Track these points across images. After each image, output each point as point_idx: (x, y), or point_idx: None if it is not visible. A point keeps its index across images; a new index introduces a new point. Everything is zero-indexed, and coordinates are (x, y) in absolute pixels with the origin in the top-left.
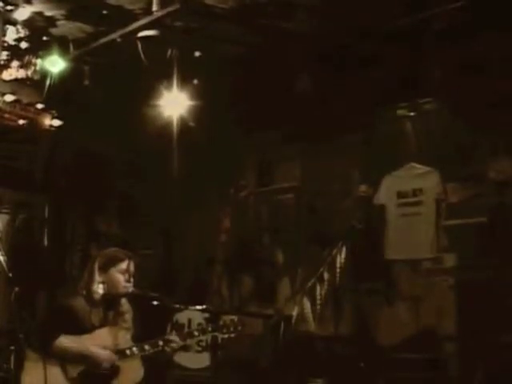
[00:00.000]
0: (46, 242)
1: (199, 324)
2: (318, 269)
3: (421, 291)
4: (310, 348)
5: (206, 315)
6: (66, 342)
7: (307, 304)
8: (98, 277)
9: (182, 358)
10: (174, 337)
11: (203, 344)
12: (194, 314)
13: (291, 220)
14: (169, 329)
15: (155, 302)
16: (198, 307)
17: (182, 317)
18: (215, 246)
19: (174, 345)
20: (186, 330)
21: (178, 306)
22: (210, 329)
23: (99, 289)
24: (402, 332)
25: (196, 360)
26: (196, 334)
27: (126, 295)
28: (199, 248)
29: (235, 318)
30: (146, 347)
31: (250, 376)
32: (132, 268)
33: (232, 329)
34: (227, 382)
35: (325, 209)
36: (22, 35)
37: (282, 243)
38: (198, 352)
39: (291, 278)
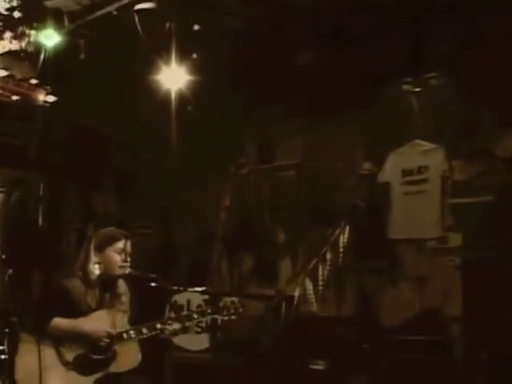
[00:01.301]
0: (41, 221)
1: (198, 305)
2: (320, 249)
3: (425, 271)
4: (312, 330)
5: (206, 296)
6: (60, 323)
7: (309, 285)
8: (93, 257)
9: (180, 340)
10: (172, 320)
11: (202, 325)
12: (194, 295)
13: (292, 198)
14: (167, 310)
15: (153, 284)
16: (197, 289)
17: (180, 298)
18: (215, 224)
19: (172, 328)
20: (185, 312)
21: (176, 287)
22: (209, 311)
23: (95, 269)
24: (406, 313)
25: (195, 341)
26: (195, 316)
27: (123, 276)
28: (198, 227)
29: (235, 299)
30: (144, 330)
31: (250, 358)
32: (129, 247)
33: (232, 311)
34: (227, 364)
35: (327, 187)
36: (14, 4)
37: (283, 222)
38: (198, 333)
39: (292, 258)
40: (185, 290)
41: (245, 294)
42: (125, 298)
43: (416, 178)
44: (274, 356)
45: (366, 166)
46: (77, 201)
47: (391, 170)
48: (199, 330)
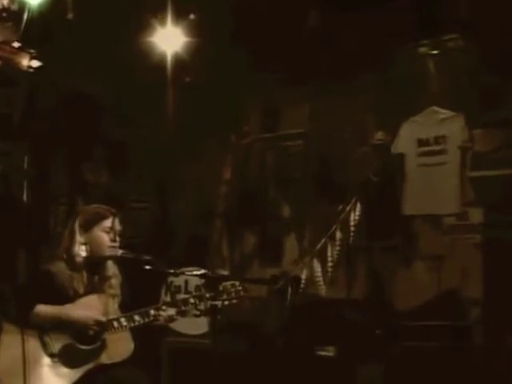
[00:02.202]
0: (25, 197)
1: (197, 286)
2: (329, 227)
3: (443, 250)
4: (320, 314)
5: (207, 271)
6: (45, 310)
7: (317, 266)
8: (79, 237)
9: (177, 324)
10: (167, 306)
11: (201, 308)
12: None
13: (299, 170)
14: (163, 293)
15: (147, 267)
16: (196, 272)
17: (177, 279)
18: (214, 199)
19: (167, 314)
20: (182, 294)
21: (172, 270)
22: (207, 295)
23: (81, 251)
24: (422, 296)
25: (193, 325)
26: (192, 301)
27: (113, 258)
28: (197, 201)
29: (237, 282)
30: (136, 318)
31: (253, 343)
32: (117, 226)
33: (233, 294)
34: (228, 350)
35: (337, 158)
36: None
37: (288, 196)
38: (196, 317)
39: (299, 235)
40: (181, 273)
41: (247, 278)
42: (115, 282)
43: (433, 148)
44: (279, 342)
45: (379, 135)
46: (65, 173)
47: (406, 139)
48: (198, 313)
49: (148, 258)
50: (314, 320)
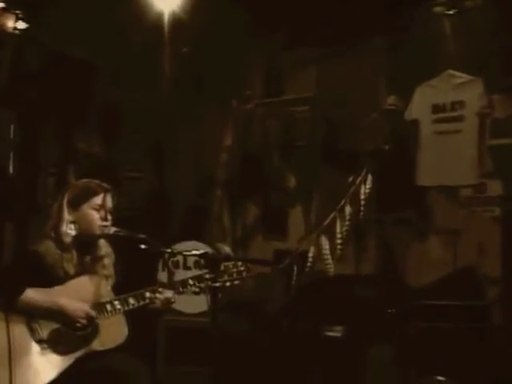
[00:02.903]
0: (11, 167)
1: (196, 262)
2: (337, 200)
3: (459, 224)
4: (328, 291)
5: (206, 251)
6: (32, 295)
7: (325, 243)
8: (67, 215)
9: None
10: (163, 287)
11: (201, 285)
12: (191, 248)
13: (305, 137)
14: (160, 267)
15: (142, 246)
16: (195, 252)
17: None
18: (215, 167)
19: (164, 297)
20: (180, 272)
21: (169, 250)
22: (208, 276)
23: (69, 230)
24: (436, 272)
25: (192, 304)
26: (191, 282)
27: (104, 236)
28: (196, 170)
29: (239, 261)
30: (131, 301)
31: (255, 323)
32: (109, 203)
33: (235, 275)
34: (228, 330)
35: (345, 124)
36: None
37: (294, 165)
38: (195, 294)
39: (305, 206)
40: (179, 254)
41: (248, 258)
42: (108, 261)
43: (449, 114)
44: (283, 321)
45: (391, 100)
46: (55, 142)
47: (420, 105)
48: (197, 290)
49: (143, 236)
50: (320, 298)
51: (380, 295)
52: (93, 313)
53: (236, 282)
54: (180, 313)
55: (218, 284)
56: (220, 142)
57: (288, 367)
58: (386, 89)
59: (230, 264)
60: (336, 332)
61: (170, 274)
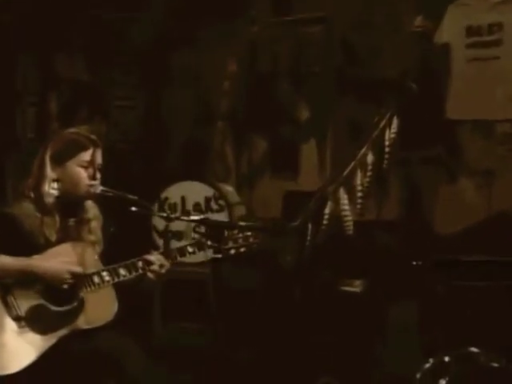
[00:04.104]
0: None
1: (196, 204)
2: (357, 146)
3: (495, 163)
4: (345, 239)
5: (209, 192)
6: (7, 262)
7: (344, 198)
8: (50, 172)
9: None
10: (157, 256)
11: (201, 230)
12: (190, 190)
13: (319, 63)
14: (156, 208)
15: (133, 208)
16: (193, 217)
17: (173, 193)
18: (217, 96)
19: (158, 265)
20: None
21: (164, 214)
22: (209, 243)
23: (52, 189)
24: (468, 218)
25: None
26: (190, 250)
27: (91, 197)
28: (196, 98)
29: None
30: (122, 271)
31: (264, 276)
32: (99, 159)
33: (241, 241)
34: (234, 283)
35: (366, 48)
36: None
37: (306, 94)
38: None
39: (319, 142)
40: (177, 218)
41: (257, 225)
42: (95, 225)
43: (486, 38)
44: (297, 275)
45: (418, 21)
46: (34, 65)
47: (452, 27)
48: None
49: (134, 197)
50: (337, 248)
51: (404, 244)
52: (77, 269)
53: (242, 250)
54: (178, 262)
55: (220, 255)
56: (222, 67)
57: (301, 326)
58: (413, 7)
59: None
60: (354, 287)
61: (166, 241)
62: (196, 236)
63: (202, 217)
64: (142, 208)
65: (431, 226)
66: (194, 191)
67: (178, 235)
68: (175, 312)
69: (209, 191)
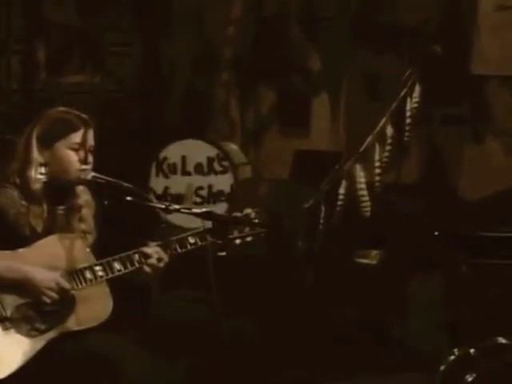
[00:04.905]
0: None
1: (198, 165)
2: (374, 118)
3: None
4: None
5: (211, 152)
6: None
7: (361, 175)
8: (36, 155)
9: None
10: (155, 248)
11: (204, 193)
12: (191, 149)
13: (333, 6)
14: (153, 173)
15: (128, 198)
16: (195, 210)
17: (172, 153)
18: (220, 42)
19: (156, 258)
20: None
21: (162, 206)
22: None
23: (39, 174)
24: (495, 183)
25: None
26: (191, 241)
27: (81, 183)
28: (197, 45)
29: (252, 211)
30: (116, 265)
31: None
32: (90, 141)
33: (247, 230)
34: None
35: None
36: None
37: (319, 41)
38: (197, 205)
39: (332, 95)
40: (176, 211)
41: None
42: (87, 212)
43: None
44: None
45: None
46: (19, 10)
47: None
48: (199, 200)
49: (129, 186)
50: (351, 215)
51: (425, 211)
52: (66, 284)
53: (248, 239)
54: (178, 227)
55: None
56: (226, 11)
57: (311, 298)
58: None
59: (240, 216)
60: (370, 259)
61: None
62: (198, 199)
63: (204, 210)
64: (137, 197)
65: (455, 190)
66: (196, 150)
67: (179, 198)
68: (174, 280)
69: (212, 151)
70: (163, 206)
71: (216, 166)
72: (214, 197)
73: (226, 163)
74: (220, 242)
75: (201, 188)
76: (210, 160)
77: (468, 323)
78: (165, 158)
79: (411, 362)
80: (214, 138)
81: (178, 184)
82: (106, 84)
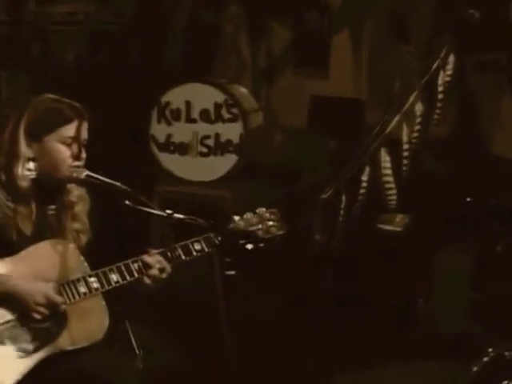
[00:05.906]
0: None
1: (204, 111)
2: (404, 97)
3: None
4: None
5: (219, 97)
6: None
7: (386, 160)
8: (24, 149)
9: (174, 165)
10: (157, 257)
11: (210, 143)
12: (196, 93)
13: None
14: (155, 119)
15: (126, 202)
16: (200, 220)
17: (176, 97)
18: None
19: (157, 269)
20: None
21: (162, 213)
22: (219, 239)
23: (27, 170)
24: None
25: (198, 168)
26: (197, 247)
27: (73, 181)
28: None
29: (265, 212)
30: (113, 277)
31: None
32: (84, 134)
33: (261, 234)
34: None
35: None
36: None
37: None
38: (203, 156)
39: (353, 34)
40: (179, 221)
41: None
42: (80, 209)
43: None
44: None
45: None
46: None
47: None
48: (205, 150)
49: (126, 188)
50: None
51: (455, 172)
52: (57, 298)
53: (261, 245)
54: (183, 181)
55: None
56: None
57: (330, 268)
58: None
59: (253, 217)
60: (394, 225)
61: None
62: (203, 150)
63: (211, 222)
64: (135, 202)
65: (489, 148)
66: (202, 95)
67: (182, 148)
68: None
69: (219, 96)
70: (165, 215)
71: (224, 113)
72: (221, 147)
73: (235, 110)
74: (228, 259)
75: (207, 137)
76: (218, 106)
77: (499, 305)
78: (167, 103)
79: (435, 347)
80: (221, 80)
81: (181, 132)
82: (102, 14)
